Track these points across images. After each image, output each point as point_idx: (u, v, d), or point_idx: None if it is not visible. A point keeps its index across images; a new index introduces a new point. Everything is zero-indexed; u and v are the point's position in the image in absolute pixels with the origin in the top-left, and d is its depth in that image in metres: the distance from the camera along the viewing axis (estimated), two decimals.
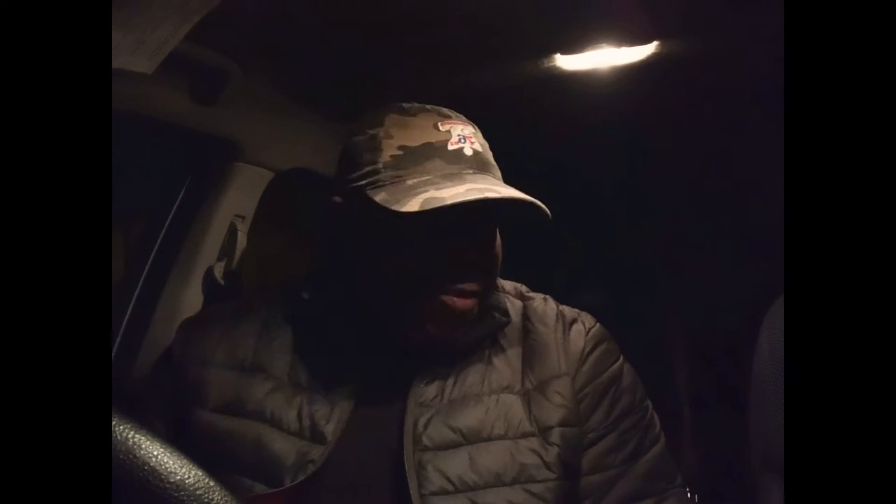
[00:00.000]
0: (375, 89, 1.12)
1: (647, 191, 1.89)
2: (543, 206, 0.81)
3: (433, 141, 0.84)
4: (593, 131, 1.59)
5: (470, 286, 0.84)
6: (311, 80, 1.30)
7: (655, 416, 0.94)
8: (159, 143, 1.40)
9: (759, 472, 0.84)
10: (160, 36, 0.81)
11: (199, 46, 1.08)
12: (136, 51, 0.81)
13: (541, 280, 1.04)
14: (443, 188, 0.79)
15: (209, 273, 1.32)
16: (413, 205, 0.77)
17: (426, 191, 0.79)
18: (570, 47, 1.19)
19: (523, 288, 1.00)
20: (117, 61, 0.80)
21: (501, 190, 0.80)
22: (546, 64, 1.24)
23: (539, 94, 1.40)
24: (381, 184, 0.82)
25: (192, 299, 1.31)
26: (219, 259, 1.34)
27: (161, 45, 0.83)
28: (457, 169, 0.83)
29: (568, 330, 0.92)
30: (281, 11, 1.02)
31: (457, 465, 0.80)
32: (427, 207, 0.76)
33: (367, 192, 0.82)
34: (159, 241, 1.36)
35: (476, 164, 0.84)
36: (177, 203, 1.37)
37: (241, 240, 1.34)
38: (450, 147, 0.84)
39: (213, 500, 0.49)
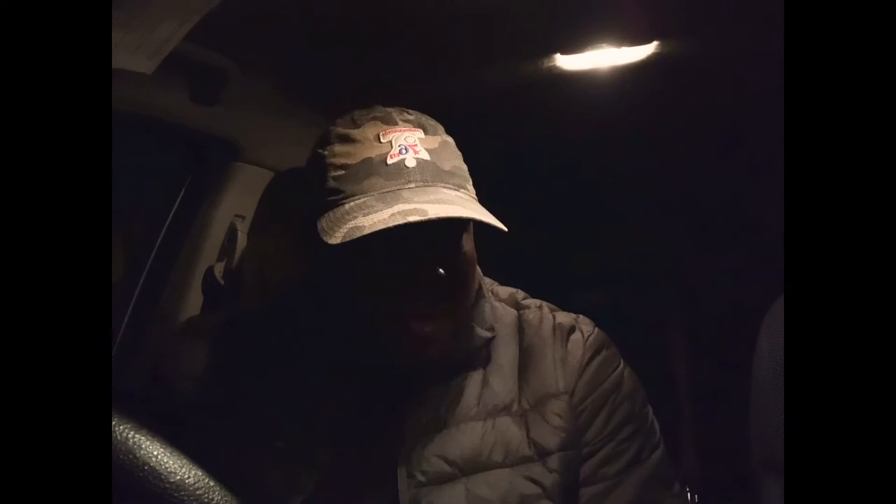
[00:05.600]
0: (375, 89, 1.11)
1: (647, 190, 1.89)
2: (484, 218, 0.75)
3: (373, 156, 0.77)
4: (593, 131, 1.59)
5: (430, 309, 0.79)
6: (311, 80, 1.30)
7: (655, 421, 0.91)
8: (159, 143, 1.40)
9: (759, 472, 0.84)
10: (160, 36, 0.81)
11: (199, 46, 1.08)
12: (136, 51, 0.81)
13: (540, 280, 1.03)
14: (371, 213, 0.73)
15: (209, 273, 1.32)
16: (337, 236, 0.73)
17: (355, 217, 0.74)
18: (570, 47, 1.19)
19: (519, 294, 0.96)
20: (117, 61, 0.80)
21: (431, 209, 0.73)
22: (546, 64, 1.24)
23: (539, 94, 1.40)
24: (324, 209, 0.78)
25: (192, 299, 1.31)
26: (219, 259, 1.33)
27: (161, 45, 0.83)
28: (396, 185, 0.76)
29: (566, 341, 0.89)
30: (281, 11, 1.02)
31: (453, 500, 0.78)
32: (348, 239, 0.72)
33: (315, 218, 0.78)
34: (159, 241, 1.36)
35: (420, 176, 0.77)
36: (177, 203, 1.37)
37: (241, 240, 1.34)
38: (389, 161, 0.77)
39: (212, 500, 0.49)
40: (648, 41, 1.17)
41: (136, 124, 1.19)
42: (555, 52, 1.21)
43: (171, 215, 1.37)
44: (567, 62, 1.23)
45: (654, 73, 1.26)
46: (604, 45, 1.18)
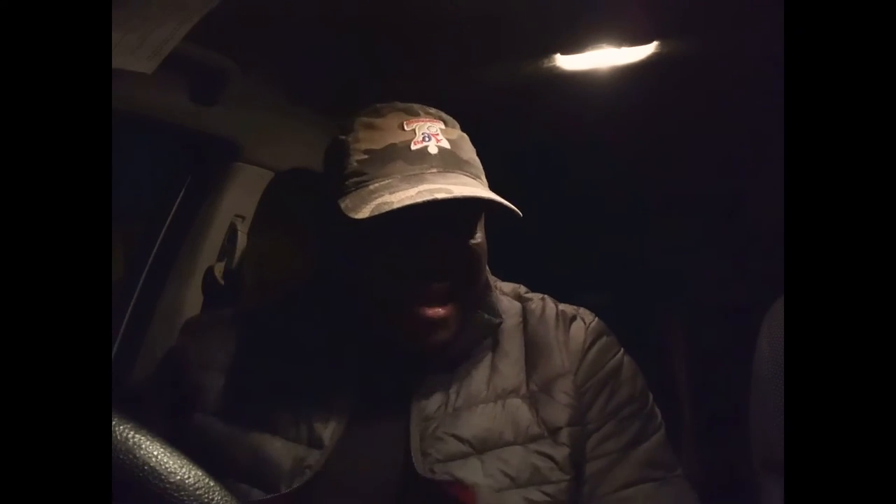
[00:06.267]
0: (375, 89, 1.12)
1: (647, 190, 1.89)
2: (504, 202, 0.79)
3: (397, 142, 0.82)
4: (593, 131, 1.59)
5: (440, 292, 0.82)
6: (311, 80, 1.30)
7: (656, 407, 0.93)
8: (159, 143, 1.40)
9: (759, 472, 0.84)
10: (160, 36, 0.81)
11: (199, 46, 1.08)
12: (136, 51, 0.81)
13: (541, 280, 1.04)
14: (397, 191, 0.77)
15: (209, 273, 1.32)
16: (365, 211, 0.76)
17: (381, 195, 0.77)
18: (570, 47, 1.19)
19: (522, 289, 0.99)
20: (117, 61, 0.80)
21: (456, 189, 0.77)
22: (546, 64, 1.24)
23: (539, 94, 1.40)
24: (347, 190, 0.81)
25: (192, 299, 1.31)
26: (219, 259, 1.33)
27: (161, 45, 0.83)
28: (419, 169, 0.80)
29: (568, 327, 0.92)
30: (280, 11, 1.02)
31: (469, 473, 0.80)
32: (376, 213, 0.75)
33: (337, 199, 0.81)
34: (159, 241, 1.35)
35: (441, 163, 0.81)
36: (177, 203, 1.37)
37: (241, 240, 1.34)
38: (413, 147, 0.81)
39: (213, 500, 0.49)
40: (648, 41, 1.17)
41: (136, 124, 1.19)
42: (555, 52, 1.21)
43: (171, 215, 1.36)
44: (567, 62, 1.23)
45: (654, 73, 1.26)
46: (604, 45, 1.18)
